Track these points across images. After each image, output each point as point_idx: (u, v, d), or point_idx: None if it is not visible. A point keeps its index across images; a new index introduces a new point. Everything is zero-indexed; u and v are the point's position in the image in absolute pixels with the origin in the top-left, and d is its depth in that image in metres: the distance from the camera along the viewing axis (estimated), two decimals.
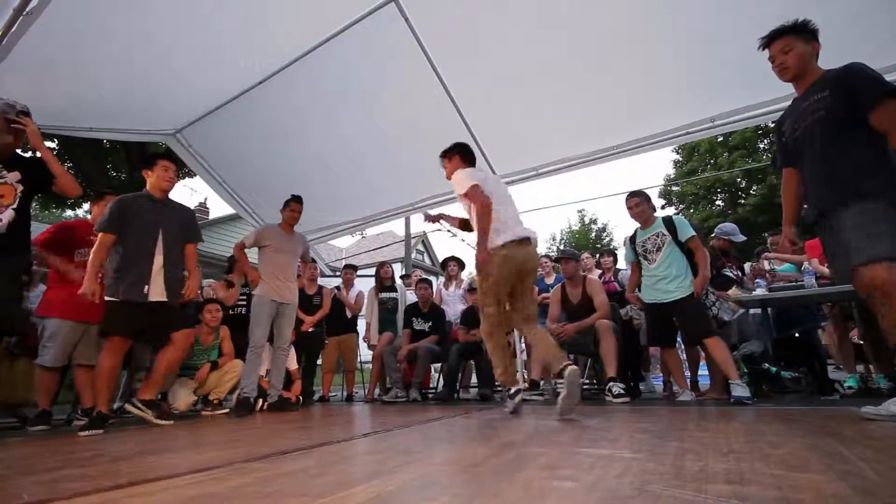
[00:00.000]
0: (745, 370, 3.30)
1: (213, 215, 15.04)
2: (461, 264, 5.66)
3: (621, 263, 4.93)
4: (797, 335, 3.85)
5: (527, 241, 2.58)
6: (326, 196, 5.47)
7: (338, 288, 5.39)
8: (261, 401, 3.90)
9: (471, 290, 4.60)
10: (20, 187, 2.40)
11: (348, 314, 5.28)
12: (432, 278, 10.48)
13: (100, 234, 2.79)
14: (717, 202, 17.18)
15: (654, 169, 47.36)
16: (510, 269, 2.52)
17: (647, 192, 3.56)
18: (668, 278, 3.31)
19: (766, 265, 4.23)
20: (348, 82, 4.06)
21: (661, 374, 4.84)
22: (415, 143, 4.50)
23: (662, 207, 18.69)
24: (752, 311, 3.90)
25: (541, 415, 2.66)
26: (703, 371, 4.26)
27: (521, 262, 2.53)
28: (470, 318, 4.50)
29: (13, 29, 2.32)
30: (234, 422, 3.01)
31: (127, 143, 7.99)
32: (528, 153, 4.26)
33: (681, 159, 18.21)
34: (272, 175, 5.22)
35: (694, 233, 3.29)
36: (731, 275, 4.10)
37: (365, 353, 5.57)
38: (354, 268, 5.67)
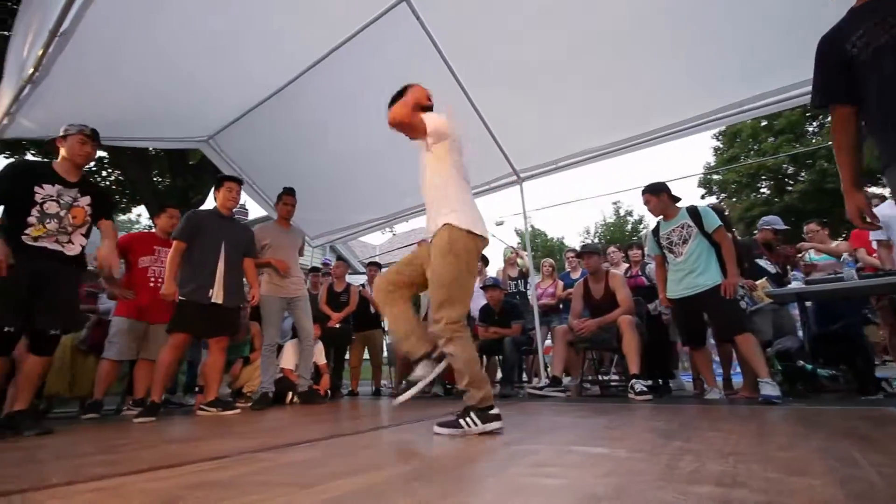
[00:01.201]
0: (780, 367, 3.14)
1: (252, 216, 15.65)
2: (485, 261, 5.64)
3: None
4: (840, 330, 3.61)
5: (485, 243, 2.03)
6: (352, 194, 5.59)
7: (363, 285, 5.51)
8: (290, 393, 4.06)
9: (484, 287, 4.57)
10: (89, 210, 2.60)
11: (373, 310, 5.38)
12: None
13: (174, 242, 3.19)
14: (762, 190, 16.20)
15: (692, 157, 45.18)
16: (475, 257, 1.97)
17: (663, 183, 3.44)
18: (697, 272, 3.19)
19: (807, 256, 4.00)
20: (367, 83, 4.11)
21: (692, 371, 4.67)
22: None
23: (702, 197, 17.86)
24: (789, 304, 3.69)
25: (557, 412, 2.64)
26: (738, 368, 4.09)
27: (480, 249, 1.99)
28: (486, 314, 4.51)
29: (50, 49, 2.51)
30: (261, 414, 3.16)
31: (169, 150, 8.43)
32: (548, 146, 4.18)
33: (721, 146, 17.30)
34: (298, 176, 5.35)
35: (720, 223, 3.15)
36: (765, 266, 3.90)
37: None
38: (379, 265, 5.77)
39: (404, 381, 2.10)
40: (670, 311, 3.67)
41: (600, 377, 4.75)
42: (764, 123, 15.08)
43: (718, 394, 3.17)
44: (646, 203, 3.49)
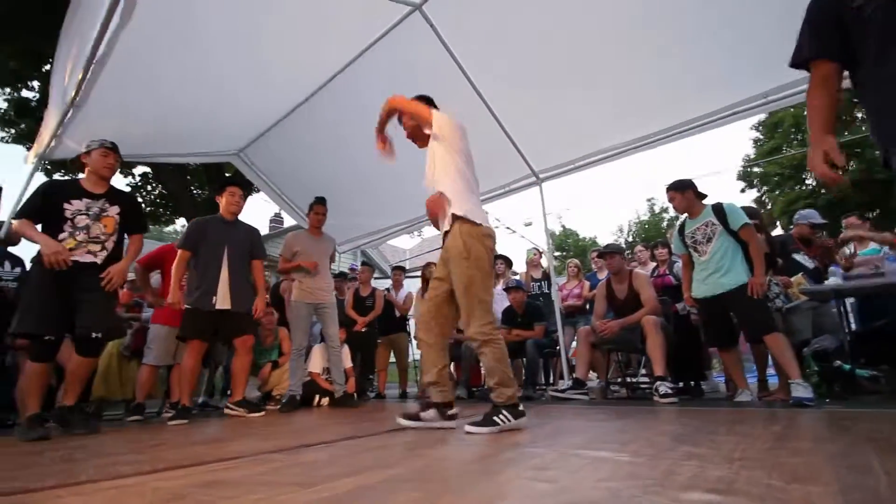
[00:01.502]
0: (816, 368, 2.98)
1: (286, 224, 16.15)
2: (508, 262, 5.63)
3: None
4: (884, 327, 3.39)
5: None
6: (376, 200, 5.69)
7: (388, 289, 5.60)
8: (318, 397, 4.17)
9: (507, 289, 4.55)
10: (118, 219, 2.72)
11: (398, 314, 5.45)
12: None
13: (178, 251, 3.30)
14: (807, 181, 15.28)
15: (730, 149, 43.13)
16: (490, 252, 2.12)
17: (689, 180, 3.34)
18: (721, 271, 3.08)
19: (847, 251, 3.77)
20: (387, 90, 4.17)
21: (725, 373, 4.49)
22: None
23: (742, 191, 17.09)
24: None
25: (576, 415, 2.61)
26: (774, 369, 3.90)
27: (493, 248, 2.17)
28: (509, 316, 4.49)
29: (88, 75, 2.71)
30: (287, 416, 3.27)
31: (206, 164, 8.83)
32: (566, 146, 4.14)
33: (761, 137, 16.48)
34: (324, 184, 5.48)
35: (747, 220, 3.03)
36: (802, 262, 3.72)
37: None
38: (403, 269, 5.86)
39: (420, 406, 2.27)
40: (698, 310, 3.56)
41: (628, 379, 4.63)
42: (807, 112, 14.23)
43: (749, 396, 3.05)
44: (670, 200, 3.43)
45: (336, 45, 3.67)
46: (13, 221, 2.96)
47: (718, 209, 3.17)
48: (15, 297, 3.18)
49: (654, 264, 4.78)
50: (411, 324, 5.79)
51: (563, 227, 27.94)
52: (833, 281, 3.11)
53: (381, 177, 5.32)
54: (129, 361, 4.02)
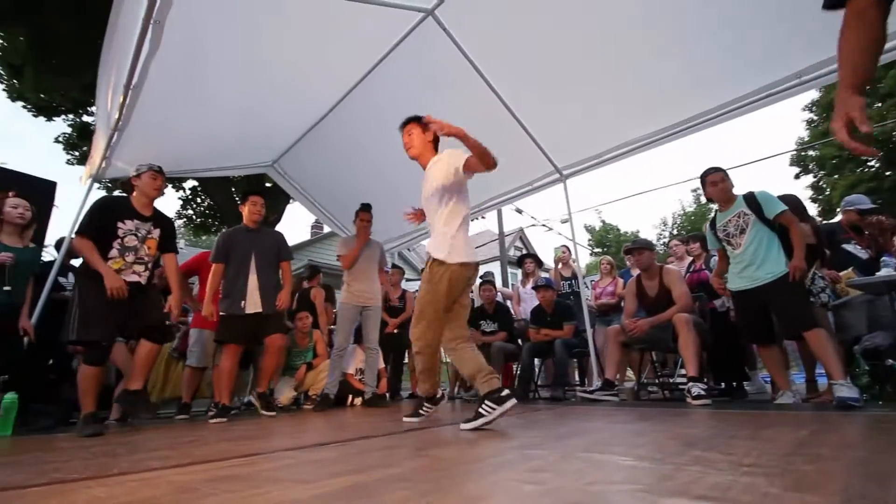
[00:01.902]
0: (867, 367, 2.76)
1: (326, 230, 16.65)
2: (538, 262, 5.56)
3: None
4: None
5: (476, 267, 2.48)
6: (405, 203, 5.75)
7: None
8: (350, 396, 4.30)
9: (536, 287, 4.51)
10: (158, 241, 2.90)
11: None
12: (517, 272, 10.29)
13: (213, 266, 3.49)
14: (870, 163, 14.00)
15: (781, 133, 40.06)
16: (461, 285, 2.40)
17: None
18: (756, 264, 2.92)
19: None
20: (408, 95, 4.25)
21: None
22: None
23: (796, 177, 15.94)
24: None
25: (597, 416, 2.55)
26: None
27: (470, 278, 2.43)
28: (538, 316, 4.43)
29: (128, 100, 2.93)
30: (321, 415, 3.39)
31: (247, 175, 9.26)
32: (590, 141, 4.04)
33: (815, 118, 15.28)
34: (354, 190, 5.62)
35: (784, 207, 2.85)
36: (855, 252, 3.45)
37: None
38: None
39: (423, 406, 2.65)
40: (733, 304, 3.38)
41: (668, 379, 4.46)
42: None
43: (792, 398, 2.86)
44: (720, 181, 3.13)
45: (353, 56, 3.76)
46: (74, 237, 3.24)
47: (750, 198, 3.00)
48: None
49: (690, 259, 4.58)
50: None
51: (603, 221, 27.14)
52: (885, 272, 2.86)
53: (408, 181, 5.39)
54: (177, 363, 4.30)
